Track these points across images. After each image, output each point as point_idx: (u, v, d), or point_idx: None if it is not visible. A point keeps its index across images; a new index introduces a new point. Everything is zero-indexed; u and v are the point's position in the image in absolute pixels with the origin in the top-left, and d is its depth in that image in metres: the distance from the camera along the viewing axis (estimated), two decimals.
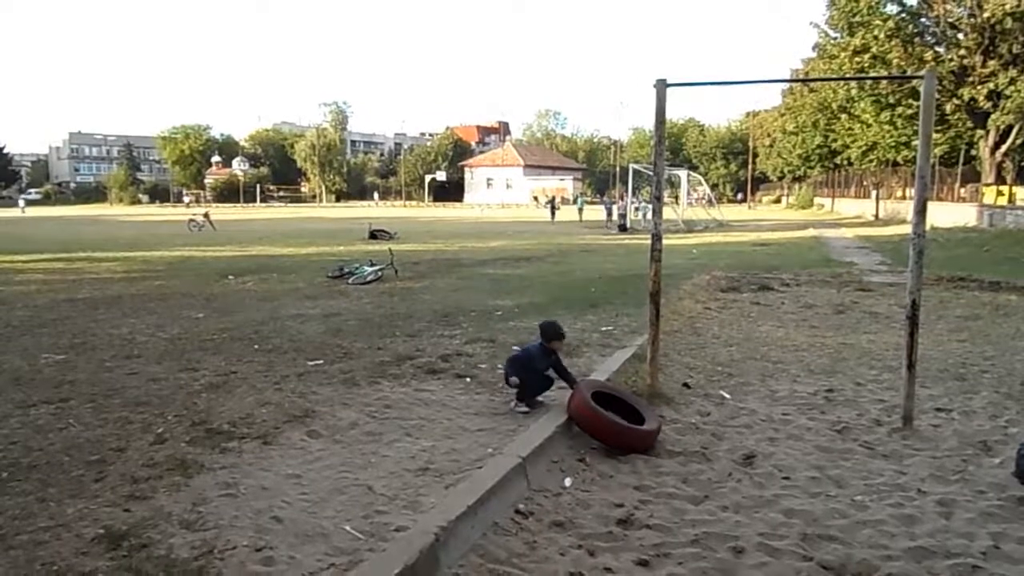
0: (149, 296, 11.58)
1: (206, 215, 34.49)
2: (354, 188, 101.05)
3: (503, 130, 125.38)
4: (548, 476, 4.40)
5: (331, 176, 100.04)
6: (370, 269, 13.76)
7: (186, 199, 78.78)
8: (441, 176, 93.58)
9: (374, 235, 25.32)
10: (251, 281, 13.44)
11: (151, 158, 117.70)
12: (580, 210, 43.03)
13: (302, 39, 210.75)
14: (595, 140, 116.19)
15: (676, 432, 5.26)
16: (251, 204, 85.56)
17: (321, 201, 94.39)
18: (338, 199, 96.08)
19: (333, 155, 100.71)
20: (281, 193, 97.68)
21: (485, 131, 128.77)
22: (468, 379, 6.37)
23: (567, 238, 27.21)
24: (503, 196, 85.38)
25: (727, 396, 6.28)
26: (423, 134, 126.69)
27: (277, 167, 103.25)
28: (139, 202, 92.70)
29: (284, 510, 3.77)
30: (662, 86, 5.64)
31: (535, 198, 79.34)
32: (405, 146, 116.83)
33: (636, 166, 35.13)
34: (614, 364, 6.74)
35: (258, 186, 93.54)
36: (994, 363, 7.46)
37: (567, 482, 4.35)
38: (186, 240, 25.80)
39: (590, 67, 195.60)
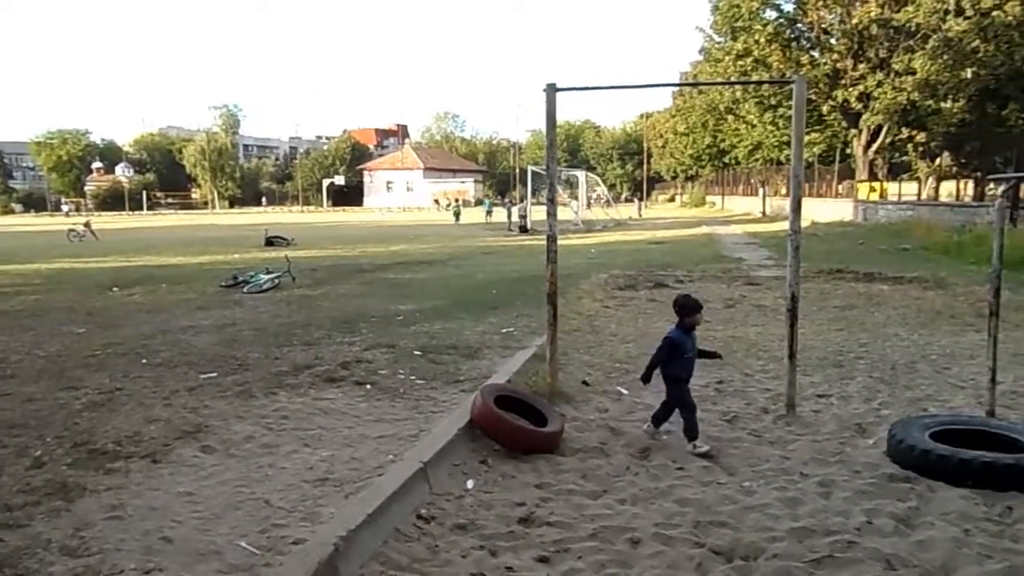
0: (25, 311, 10.90)
1: (87, 224, 32.71)
2: (248, 194, 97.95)
3: (402, 133, 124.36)
4: (450, 480, 4.41)
5: (223, 182, 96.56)
6: (266, 277, 13.39)
7: (65, 208, 74.28)
8: (340, 180, 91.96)
9: (270, 242, 24.63)
10: (138, 293, 12.85)
11: (24, 164, 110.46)
12: (488, 212, 43.27)
13: (187, 39, 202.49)
14: (494, 142, 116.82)
15: (576, 429, 5.37)
16: (137, 212, 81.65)
17: (213, 208, 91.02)
18: (232, 205, 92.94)
19: (225, 160, 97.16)
20: (170, 200, 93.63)
21: (384, 134, 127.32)
22: (368, 386, 6.31)
23: (469, 241, 27.27)
24: (404, 199, 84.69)
25: (624, 392, 6.45)
26: (319, 138, 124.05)
27: (164, 173, 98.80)
28: (12, 212, 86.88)
29: (175, 529, 3.63)
30: (552, 91, 5.74)
31: (436, 201, 79.17)
32: (301, 150, 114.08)
33: (535, 168, 35.48)
34: (515, 365, 6.82)
35: (144, 193, 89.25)
36: (868, 350, 7.95)
37: (469, 484, 4.37)
38: (66, 251, 24.37)
39: (487, 69, 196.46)
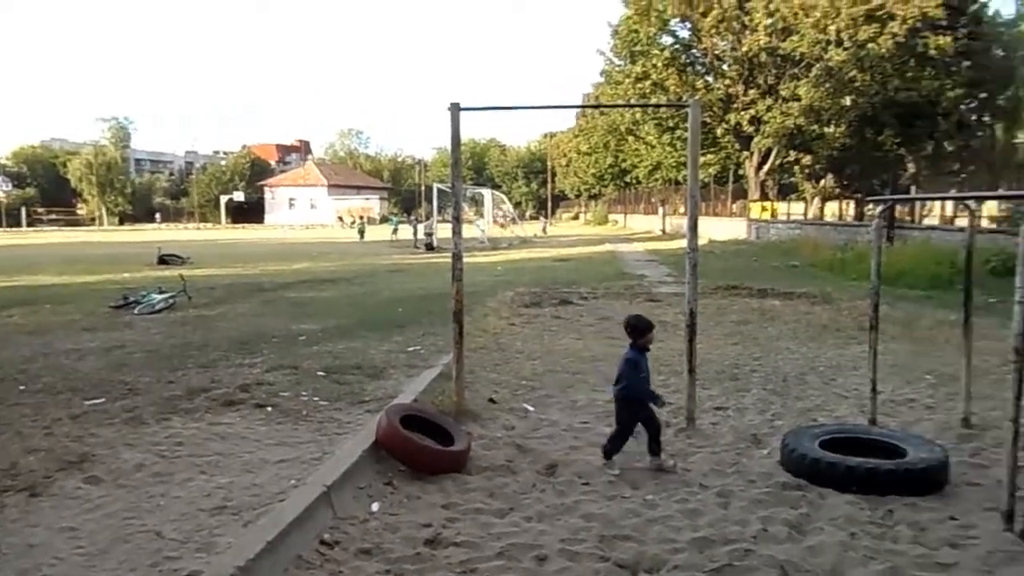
0: None
1: None
2: (140, 210, 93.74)
3: (304, 149, 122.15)
4: (355, 503, 4.32)
5: (113, 197, 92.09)
6: (159, 297, 12.83)
7: None
8: (239, 196, 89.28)
9: (164, 260, 23.62)
10: (16, 314, 12.06)
11: None
12: (395, 230, 42.94)
13: (71, 49, 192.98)
14: (400, 159, 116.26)
15: (483, 447, 5.36)
16: (15, 228, 76.80)
17: (102, 224, 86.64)
18: (122, 222, 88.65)
19: (114, 174, 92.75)
20: (53, 216, 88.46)
21: (285, 150, 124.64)
22: (269, 409, 6.12)
23: (374, 258, 26.94)
24: (307, 216, 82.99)
25: (531, 408, 6.50)
26: (217, 153, 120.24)
27: (47, 188, 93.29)
28: None
29: (56, 567, 3.41)
30: (456, 110, 5.77)
31: (340, 218, 77.96)
32: (197, 165, 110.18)
33: (441, 186, 35.53)
34: (421, 384, 6.76)
35: (23, 208, 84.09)
36: (762, 363, 8.29)
37: (374, 507, 4.29)
38: None
39: (392, 86, 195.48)
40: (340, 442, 5.18)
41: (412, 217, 52.53)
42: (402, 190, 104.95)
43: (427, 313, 11.39)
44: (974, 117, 33.25)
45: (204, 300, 13.60)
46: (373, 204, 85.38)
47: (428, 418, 5.37)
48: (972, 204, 7.48)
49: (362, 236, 41.37)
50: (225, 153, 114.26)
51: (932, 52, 28.76)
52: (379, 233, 46.43)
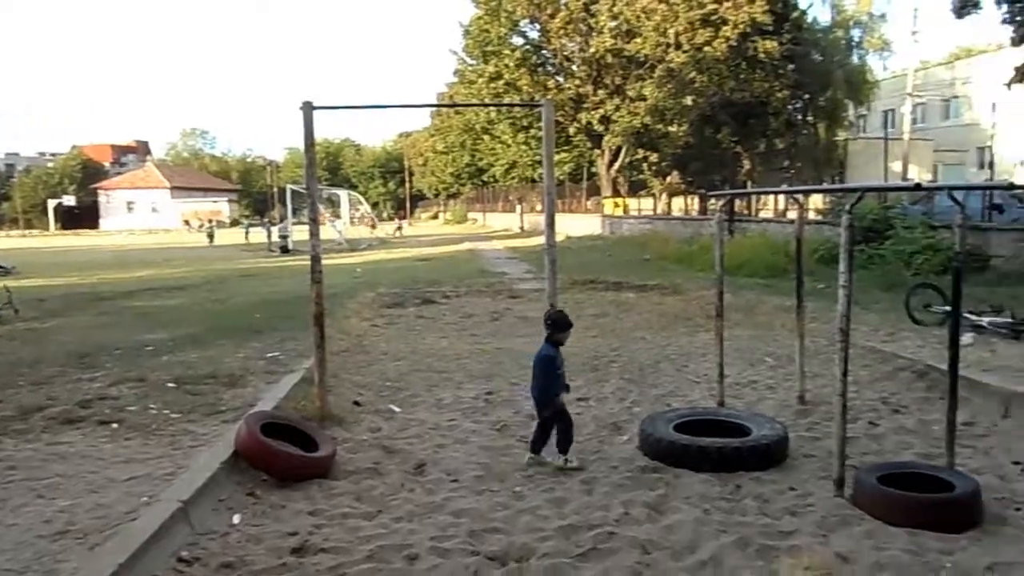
0: None
1: None
2: None
3: (143, 150, 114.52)
4: (215, 516, 4.13)
5: None
6: None
7: None
8: (69, 200, 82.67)
9: None
10: None
11: None
12: (247, 233, 41.26)
13: None
14: (249, 160, 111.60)
15: (348, 451, 5.27)
16: None
17: None
18: None
19: None
20: None
21: (121, 150, 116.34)
22: (115, 425, 5.74)
23: (226, 263, 25.76)
24: (149, 221, 78.02)
25: (397, 409, 6.46)
26: (43, 154, 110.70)
27: None
28: None
29: None
30: (308, 109, 5.63)
31: (187, 222, 73.93)
32: (20, 167, 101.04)
33: (294, 187, 34.46)
34: (282, 391, 6.55)
35: None
36: (619, 353, 8.63)
37: (236, 519, 4.12)
38: None
39: (238, 85, 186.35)
40: (196, 455, 4.94)
41: (265, 220, 50.73)
42: (253, 192, 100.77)
43: (285, 318, 11.03)
44: (800, 117, 35.98)
45: (34, 313, 12.52)
46: (222, 207, 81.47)
47: (291, 425, 5.22)
48: (800, 198, 8.13)
49: (211, 240, 39.45)
50: (52, 154, 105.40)
51: (761, 56, 30.86)
52: (230, 237, 44.49)
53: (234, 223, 69.91)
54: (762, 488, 4.55)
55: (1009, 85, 17.62)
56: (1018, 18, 15.83)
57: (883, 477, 4.28)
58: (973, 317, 8.39)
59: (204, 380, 7.12)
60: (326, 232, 32.48)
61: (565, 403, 5.10)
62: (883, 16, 35.25)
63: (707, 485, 4.58)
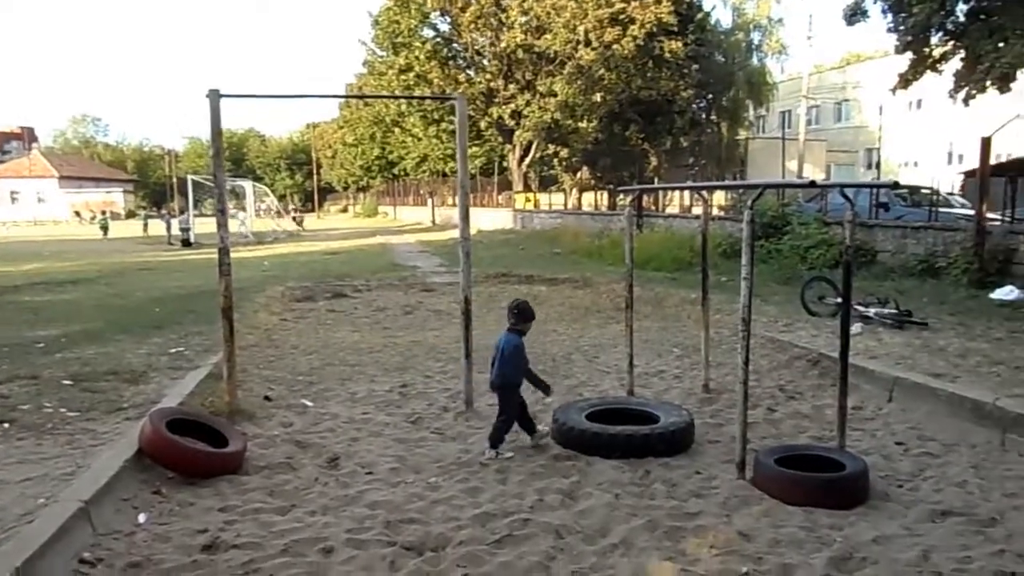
0: None
1: None
2: None
3: (28, 137, 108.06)
4: (118, 516, 3.99)
5: None
6: None
7: None
8: None
9: None
10: None
11: None
12: (145, 225, 39.56)
13: None
14: (146, 149, 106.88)
15: (260, 446, 5.18)
16: None
17: None
18: None
19: None
20: None
21: (3, 137, 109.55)
22: (6, 425, 5.44)
23: (123, 256, 24.62)
24: (35, 211, 73.74)
25: (309, 404, 6.37)
26: None
27: None
28: None
29: None
30: (215, 97, 5.48)
31: (78, 213, 70.25)
32: None
33: (195, 177, 33.26)
34: (188, 387, 6.36)
35: None
36: (533, 346, 8.52)
37: (141, 518, 4.00)
38: None
39: (134, 71, 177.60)
40: (96, 454, 4.74)
41: (164, 211, 48.75)
42: (150, 182, 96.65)
43: (189, 312, 10.68)
44: (704, 115, 37.16)
45: None
46: (116, 198, 77.68)
47: (198, 421, 5.08)
48: (705, 194, 8.43)
49: (105, 232, 37.59)
50: None
51: (667, 55, 31.65)
52: (126, 229, 42.58)
53: (130, 215, 66.93)
54: (670, 473, 4.73)
55: (894, 91, 18.68)
56: (901, 27, 16.81)
57: (781, 459, 4.53)
58: (861, 308, 8.91)
59: (103, 377, 6.83)
60: (231, 225, 31.55)
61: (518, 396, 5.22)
62: (780, 21, 36.71)
63: (618, 471, 4.73)
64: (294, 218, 46.70)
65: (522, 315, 5.23)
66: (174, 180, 73.62)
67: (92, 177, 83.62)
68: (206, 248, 26.86)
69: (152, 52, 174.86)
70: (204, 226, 30.83)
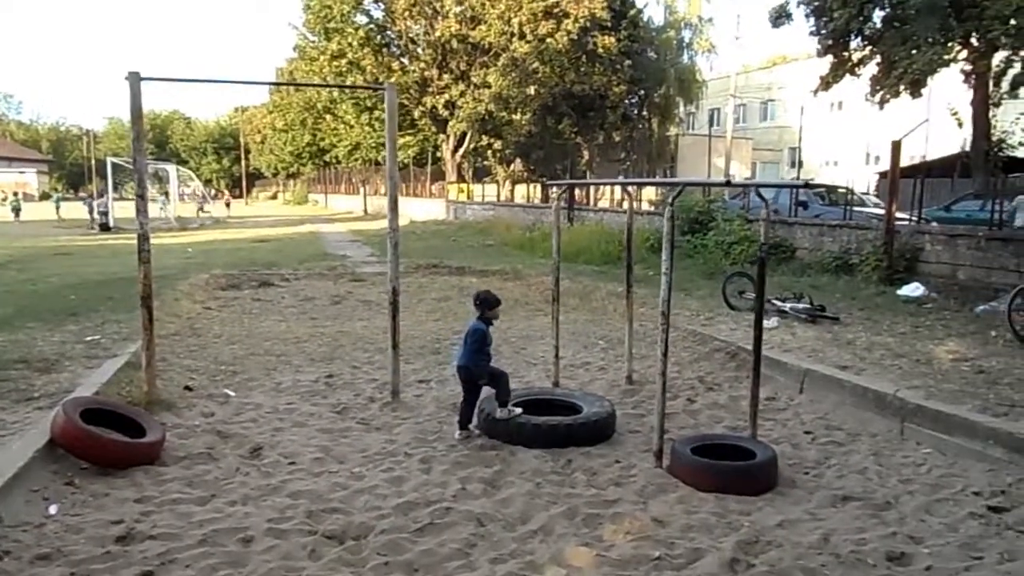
0: None
1: None
2: None
3: None
4: (28, 508, 3.88)
5: None
6: None
7: None
8: None
9: None
10: None
11: None
12: (57, 207, 37.91)
13: None
14: (63, 129, 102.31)
15: (179, 437, 5.10)
16: None
17: None
18: None
19: None
20: None
21: None
22: None
23: (36, 240, 23.57)
24: None
25: (231, 394, 6.28)
26: None
27: None
28: None
29: None
30: (136, 79, 5.33)
31: None
32: None
33: (115, 160, 31.98)
34: (104, 376, 6.18)
35: None
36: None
37: (52, 510, 3.90)
38: None
39: (52, 47, 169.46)
40: (5, 445, 4.58)
41: (82, 194, 46.86)
42: (66, 164, 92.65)
43: (107, 300, 10.34)
44: (635, 111, 37.72)
45: None
46: (30, 179, 74.30)
47: (114, 410, 4.96)
48: (631, 190, 8.61)
49: (17, 215, 35.87)
50: None
51: (600, 51, 31.99)
52: (40, 212, 40.76)
53: (44, 196, 64.02)
54: (591, 462, 4.86)
55: (815, 92, 19.36)
56: (823, 31, 17.44)
57: (696, 448, 4.70)
58: (778, 303, 9.25)
59: (13, 365, 6.57)
60: (153, 210, 30.54)
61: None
62: (711, 20, 37.45)
63: (541, 460, 4.83)
64: (227, 203, 45.54)
65: (485, 303, 5.44)
66: (93, 162, 70.71)
67: (3, 157, 79.60)
68: (126, 233, 25.93)
69: (71, 27, 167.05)
70: (124, 210, 29.73)
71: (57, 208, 38.06)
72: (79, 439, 4.44)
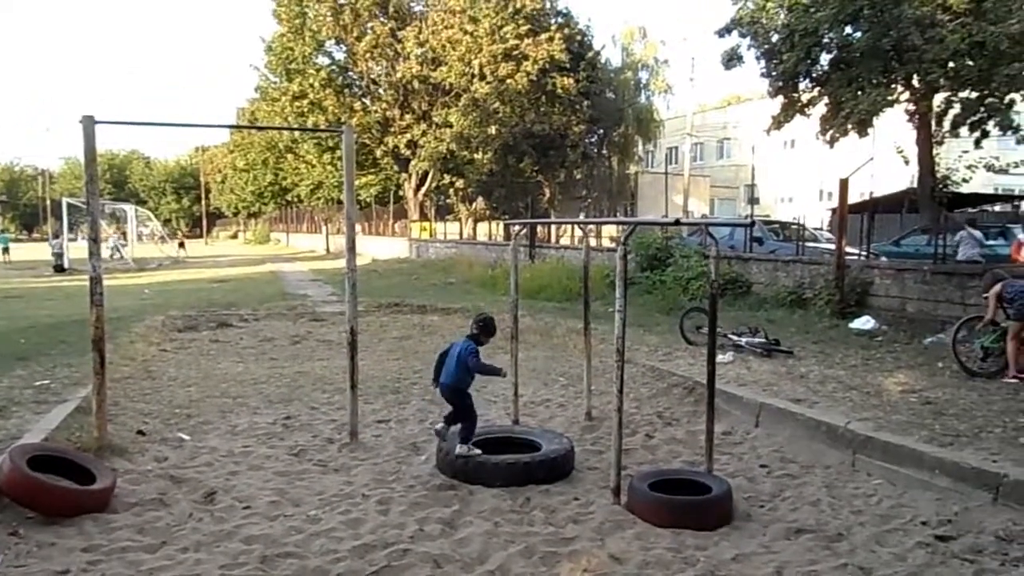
0: None
1: None
2: None
3: None
4: None
5: None
6: None
7: None
8: None
9: None
10: None
11: None
12: (5, 249, 37.06)
13: None
14: (17, 168, 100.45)
15: (130, 483, 5.00)
16: None
17: None
18: None
19: None
20: None
21: None
22: None
23: None
24: None
25: (186, 437, 6.19)
26: None
27: None
28: None
29: None
30: (90, 123, 5.32)
31: None
32: None
33: (72, 200, 31.55)
34: (53, 421, 6.04)
35: None
36: (421, 375, 8.75)
37: None
38: None
39: (7, 86, 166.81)
40: None
41: (50, 235, 45.88)
42: (20, 204, 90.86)
43: (58, 343, 10.13)
44: (595, 150, 38.33)
45: None
46: None
47: (63, 457, 4.86)
48: (589, 228, 8.75)
49: None
50: None
51: (560, 91, 32.56)
52: None
53: None
54: (549, 499, 4.87)
55: (768, 131, 19.88)
56: (773, 73, 17.98)
57: (653, 484, 4.75)
58: (734, 337, 9.41)
59: None
60: (102, 251, 30.06)
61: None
62: (667, 62, 38.42)
63: (499, 499, 4.83)
64: (180, 243, 44.89)
65: (485, 328, 5.65)
66: (48, 202, 69.48)
67: None
68: (80, 274, 25.42)
69: (26, 68, 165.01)
70: (80, 251, 29.18)
71: (6, 249, 37.15)
72: (25, 487, 4.34)
